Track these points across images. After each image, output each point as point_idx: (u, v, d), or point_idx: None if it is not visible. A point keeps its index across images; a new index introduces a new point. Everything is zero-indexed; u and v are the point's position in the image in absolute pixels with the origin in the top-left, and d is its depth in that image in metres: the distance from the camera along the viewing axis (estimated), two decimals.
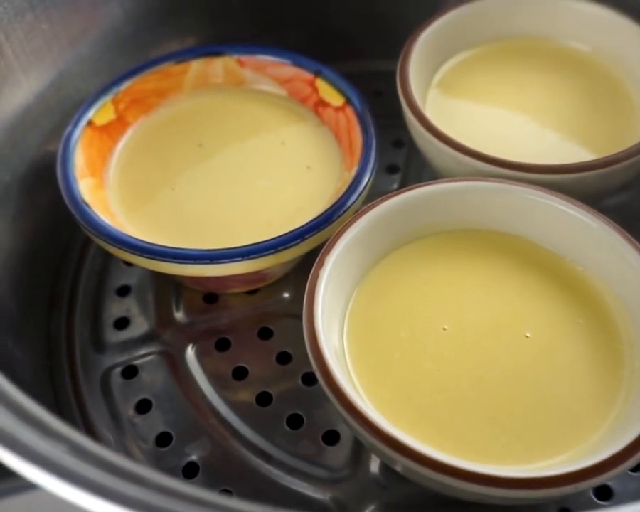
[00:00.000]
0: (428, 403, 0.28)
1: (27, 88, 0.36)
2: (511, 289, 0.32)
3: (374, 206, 0.32)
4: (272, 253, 0.32)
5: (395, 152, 0.45)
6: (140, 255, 0.32)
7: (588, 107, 0.39)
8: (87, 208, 0.34)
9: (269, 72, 0.41)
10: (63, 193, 0.34)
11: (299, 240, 0.32)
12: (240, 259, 0.32)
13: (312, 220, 0.33)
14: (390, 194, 0.32)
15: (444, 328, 0.30)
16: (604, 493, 0.31)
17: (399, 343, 0.30)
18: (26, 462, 0.17)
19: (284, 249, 0.32)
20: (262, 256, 0.32)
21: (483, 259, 0.33)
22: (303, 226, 0.33)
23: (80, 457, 0.18)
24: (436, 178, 0.34)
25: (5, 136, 0.35)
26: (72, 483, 0.16)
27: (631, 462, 0.24)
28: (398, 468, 0.27)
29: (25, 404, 0.20)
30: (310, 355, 0.27)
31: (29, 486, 0.17)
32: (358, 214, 0.31)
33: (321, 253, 0.30)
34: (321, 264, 0.30)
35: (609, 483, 0.31)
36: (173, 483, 0.17)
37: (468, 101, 0.40)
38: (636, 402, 0.27)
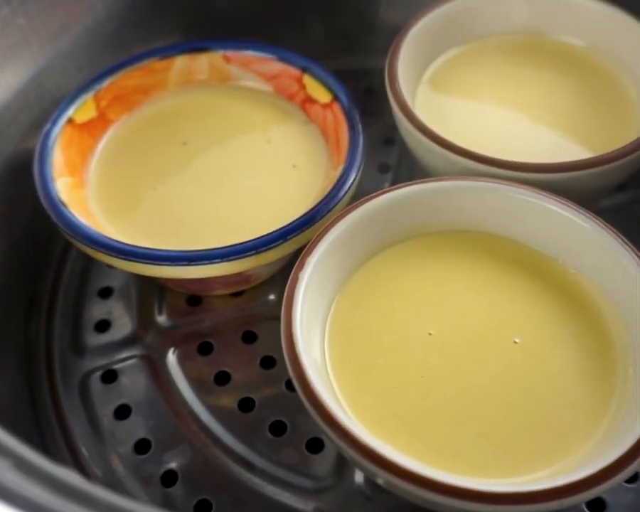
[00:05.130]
0: (412, 412, 0.27)
1: (3, 84, 0.35)
2: (501, 293, 0.31)
3: (358, 206, 0.30)
4: (253, 254, 0.31)
5: (387, 150, 0.44)
6: (116, 256, 0.31)
7: (584, 104, 0.38)
8: (63, 208, 0.33)
9: (256, 68, 0.40)
10: (39, 191, 0.33)
11: (281, 241, 0.31)
12: (219, 260, 0.31)
13: (294, 220, 0.32)
14: (374, 194, 0.31)
15: (430, 333, 0.29)
16: (597, 506, 0.30)
17: (382, 348, 0.29)
18: None
19: (265, 250, 0.31)
20: (242, 257, 0.31)
21: (472, 261, 0.32)
22: (284, 226, 0.31)
23: (24, 473, 0.16)
24: (426, 177, 0.33)
25: None
26: (9, 503, 0.15)
27: (621, 477, 0.23)
28: (379, 482, 0.25)
29: None
30: (287, 362, 0.26)
31: None
32: (341, 214, 0.30)
33: (301, 255, 0.29)
34: (301, 267, 0.28)
35: (602, 495, 0.30)
36: (124, 502, 0.16)
37: (459, 97, 0.38)
38: (628, 413, 0.26)
